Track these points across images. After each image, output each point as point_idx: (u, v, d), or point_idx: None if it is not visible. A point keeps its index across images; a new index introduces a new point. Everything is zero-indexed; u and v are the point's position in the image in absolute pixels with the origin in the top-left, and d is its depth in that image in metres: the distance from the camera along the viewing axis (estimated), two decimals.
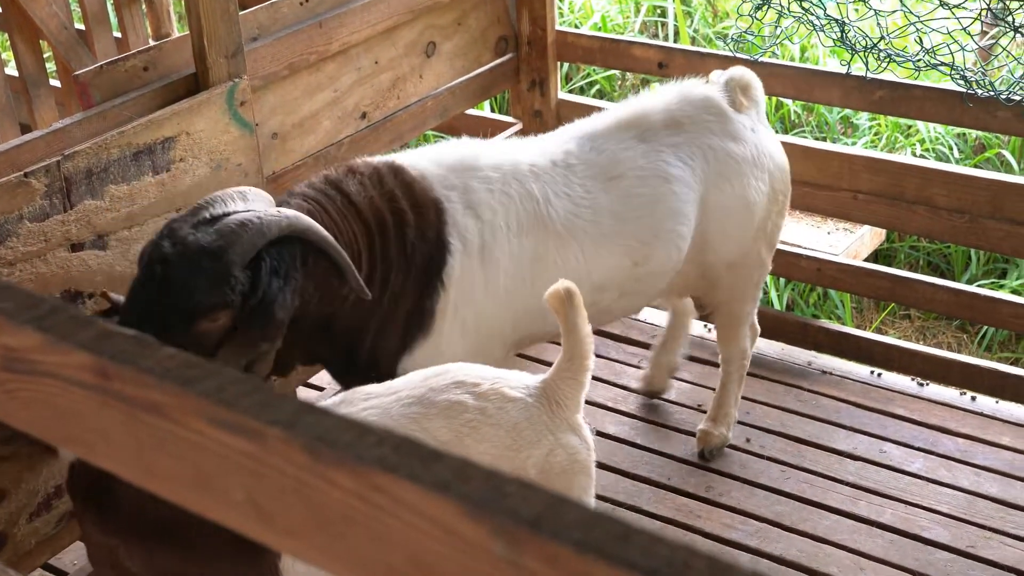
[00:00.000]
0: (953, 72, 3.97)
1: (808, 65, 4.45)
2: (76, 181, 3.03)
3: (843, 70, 4.24)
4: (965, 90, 3.98)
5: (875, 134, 6.62)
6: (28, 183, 2.92)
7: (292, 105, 3.79)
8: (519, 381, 2.80)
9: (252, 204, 2.92)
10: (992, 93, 3.94)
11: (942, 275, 6.11)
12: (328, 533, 1.00)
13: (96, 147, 3.06)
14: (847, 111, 6.59)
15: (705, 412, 4.36)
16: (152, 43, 4.91)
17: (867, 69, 4.15)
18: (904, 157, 5.45)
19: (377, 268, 3.18)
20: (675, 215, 3.56)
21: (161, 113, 3.23)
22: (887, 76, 4.19)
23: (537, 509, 0.90)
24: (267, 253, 2.82)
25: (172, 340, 2.74)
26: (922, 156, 6.34)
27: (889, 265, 5.92)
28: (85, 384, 1.12)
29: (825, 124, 6.69)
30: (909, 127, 6.60)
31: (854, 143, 6.49)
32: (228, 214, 2.83)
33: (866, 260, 5.50)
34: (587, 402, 3.06)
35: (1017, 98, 3.91)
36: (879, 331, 5.79)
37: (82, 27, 5.20)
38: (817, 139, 6.48)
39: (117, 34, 5.38)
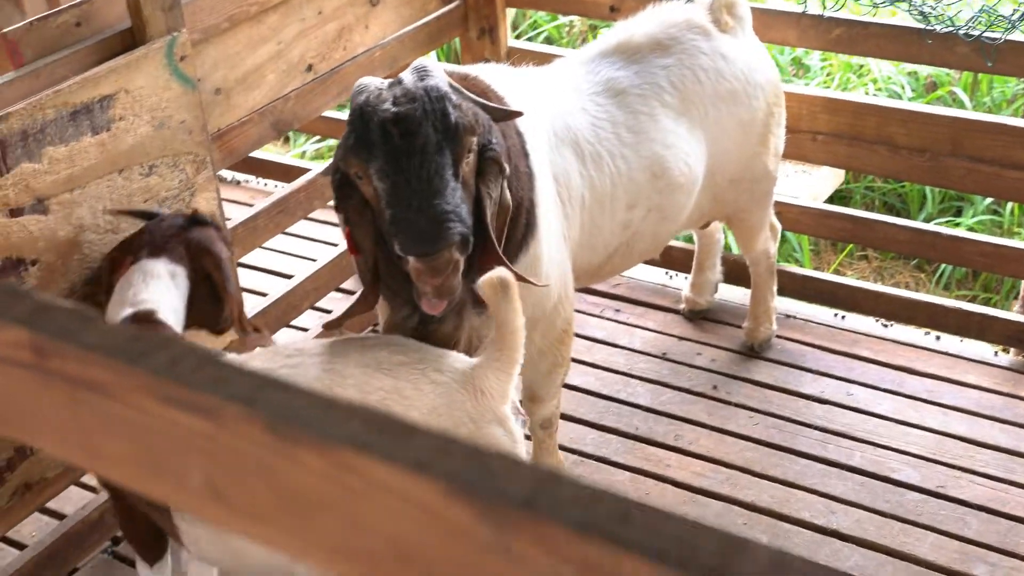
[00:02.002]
0: (912, 8, 3.89)
1: (763, 5, 4.34)
2: (11, 144, 2.88)
3: (799, 9, 4.15)
4: (924, 26, 3.91)
5: (827, 75, 6.56)
6: None
7: (234, 59, 3.64)
8: (449, 364, 2.68)
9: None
10: (951, 29, 3.87)
11: (898, 215, 6.08)
12: (297, 518, 0.91)
13: (31, 107, 2.91)
14: (799, 52, 6.51)
15: (670, 360, 4.31)
16: None
17: (824, 7, 4.07)
18: (862, 96, 5.38)
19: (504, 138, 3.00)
20: (674, 133, 3.50)
21: (98, 70, 3.08)
22: (843, 14, 4.11)
23: (528, 486, 0.81)
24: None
25: (449, 193, 2.61)
26: (875, 95, 6.28)
27: (846, 206, 5.87)
28: (21, 363, 1.02)
29: (776, 66, 6.60)
30: (861, 67, 6.53)
31: (807, 84, 6.42)
32: (399, 79, 2.76)
33: (825, 202, 5.45)
34: None
35: (976, 33, 3.84)
36: (838, 272, 5.75)
37: None
38: None
39: None
